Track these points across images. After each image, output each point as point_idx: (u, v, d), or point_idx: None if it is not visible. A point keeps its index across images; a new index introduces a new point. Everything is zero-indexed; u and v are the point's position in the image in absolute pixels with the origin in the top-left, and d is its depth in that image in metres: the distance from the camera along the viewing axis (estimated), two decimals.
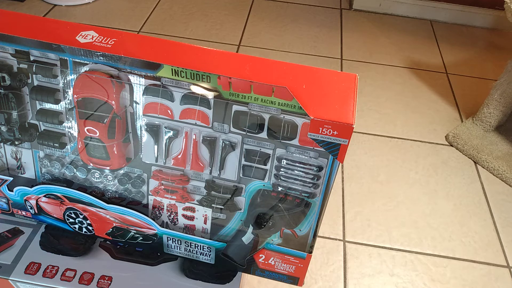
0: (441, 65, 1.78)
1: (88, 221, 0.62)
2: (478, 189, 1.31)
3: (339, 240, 1.14)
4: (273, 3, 2.05)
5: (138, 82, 0.49)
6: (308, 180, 0.51)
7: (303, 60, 1.73)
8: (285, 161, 0.51)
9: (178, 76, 0.47)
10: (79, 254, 0.63)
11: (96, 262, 0.63)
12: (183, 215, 0.59)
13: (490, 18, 1.99)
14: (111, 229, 0.62)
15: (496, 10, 1.97)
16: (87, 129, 0.53)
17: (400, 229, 1.18)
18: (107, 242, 0.65)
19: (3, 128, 0.56)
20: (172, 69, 0.47)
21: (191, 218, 0.59)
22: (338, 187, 1.28)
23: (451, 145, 1.44)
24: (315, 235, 0.57)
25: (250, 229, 0.58)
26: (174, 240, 0.62)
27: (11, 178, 0.61)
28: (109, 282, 0.60)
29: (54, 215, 0.64)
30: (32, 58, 0.50)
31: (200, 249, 0.62)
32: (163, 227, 0.61)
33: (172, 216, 0.60)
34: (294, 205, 0.54)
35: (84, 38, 0.49)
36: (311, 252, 0.59)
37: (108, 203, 0.59)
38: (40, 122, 0.55)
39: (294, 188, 0.53)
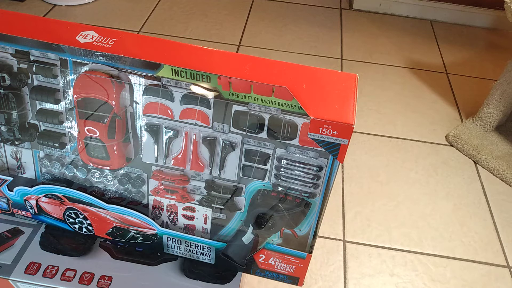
0: (441, 65, 1.78)
1: (88, 221, 0.62)
2: (478, 189, 1.31)
3: (339, 240, 1.14)
4: (273, 3, 2.05)
5: (138, 82, 0.49)
6: (308, 180, 0.51)
7: (303, 60, 1.73)
8: (285, 161, 0.51)
9: (178, 76, 0.47)
10: (79, 254, 0.63)
11: (96, 262, 0.63)
12: (183, 215, 0.59)
13: (490, 18, 1.99)
14: (111, 229, 0.62)
15: (496, 10, 1.97)
16: (87, 129, 0.53)
17: (400, 229, 1.18)
18: (107, 242, 0.65)
19: (3, 128, 0.56)
20: (172, 69, 0.47)
21: (191, 218, 0.59)
22: (338, 187, 1.28)
23: (451, 145, 1.44)
24: (315, 235, 0.57)
25: (250, 229, 0.58)
26: (174, 240, 0.62)
27: (11, 178, 0.61)
28: (109, 282, 0.60)
29: (54, 215, 0.64)
30: (32, 58, 0.50)
31: (200, 249, 0.62)
32: (163, 227, 0.61)
33: (172, 216, 0.60)
34: (294, 205, 0.54)
35: (84, 38, 0.49)
36: (311, 252, 0.59)
37: (108, 203, 0.59)
38: (40, 122, 0.55)
39: (294, 188, 0.53)
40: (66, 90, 0.52)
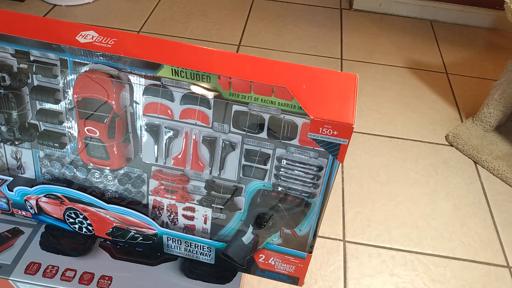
0: (441, 65, 1.78)
1: (88, 221, 0.62)
2: (478, 189, 1.31)
3: (339, 240, 1.14)
4: (273, 3, 2.05)
5: (138, 82, 0.49)
6: (308, 180, 0.51)
7: (303, 60, 1.73)
8: (285, 161, 0.51)
9: (178, 76, 0.47)
10: (79, 254, 0.63)
11: (96, 262, 0.63)
12: (183, 215, 0.59)
13: (490, 18, 1.99)
14: (111, 229, 0.62)
15: (496, 10, 1.97)
16: (87, 129, 0.53)
17: (400, 229, 1.18)
18: (107, 242, 0.65)
19: (3, 128, 0.56)
20: (172, 69, 0.47)
21: (191, 218, 0.59)
22: (338, 187, 1.28)
23: (451, 145, 1.44)
24: (315, 235, 0.57)
25: (250, 229, 0.58)
26: (174, 240, 0.62)
27: (11, 178, 0.61)
28: (109, 282, 0.60)
29: (54, 215, 0.64)
30: (32, 58, 0.50)
31: (200, 249, 0.62)
32: (163, 227, 0.61)
33: (172, 216, 0.60)
34: (294, 205, 0.54)
35: (84, 38, 0.49)
36: (311, 252, 0.59)
37: (108, 203, 0.59)
38: (40, 122, 0.55)
39: (294, 188, 0.53)
40: (66, 90, 0.52)
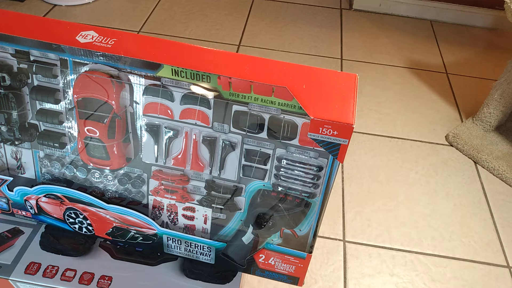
0: (441, 65, 1.78)
1: (88, 221, 0.62)
2: (478, 189, 1.31)
3: (339, 240, 1.14)
4: (273, 3, 2.05)
5: (138, 82, 0.49)
6: (308, 180, 0.51)
7: (303, 60, 1.73)
8: (285, 161, 0.51)
9: (178, 76, 0.47)
10: (79, 254, 0.63)
11: (96, 262, 0.63)
12: (183, 215, 0.59)
13: (490, 18, 1.99)
14: (111, 229, 0.62)
15: (496, 10, 1.97)
16: (87, 129, 0.53)
17: (400, 229, 1.18)
18: (107, 242, 0.65)
19: (3, 128, 0.56)
20: (172, 69, 0.47)
21: (191, 218, 0.59)
22: (338, 187, 1.28)
23: (451, 145, 1.44)
24: (315, 235, 0.57)
25: (250, 229, 0.58)
26: (174, 240, 0.62)
27: (11, 178, 0.61)
28: (109, 282, 0.60)
29: (54, 215, 0.64)
30: (32, 58, 0.50)
31: (200, 249, 0.62)
32: (163, 227, 0.61)
33: (172, 216, 0.60)
34: (294, 205, 0.54)
35: (84, 38, 0.49)
36: (311, 252, 0.59)
37: (108, 203, 0.59)
38: (40, 122, 0.55)
39: (294, 188, 0.53)
40: (66, 90, 0.52)
